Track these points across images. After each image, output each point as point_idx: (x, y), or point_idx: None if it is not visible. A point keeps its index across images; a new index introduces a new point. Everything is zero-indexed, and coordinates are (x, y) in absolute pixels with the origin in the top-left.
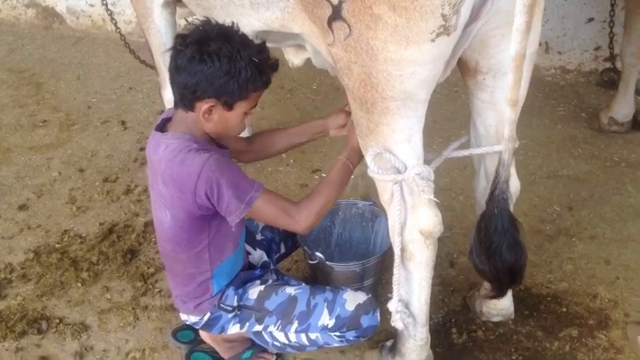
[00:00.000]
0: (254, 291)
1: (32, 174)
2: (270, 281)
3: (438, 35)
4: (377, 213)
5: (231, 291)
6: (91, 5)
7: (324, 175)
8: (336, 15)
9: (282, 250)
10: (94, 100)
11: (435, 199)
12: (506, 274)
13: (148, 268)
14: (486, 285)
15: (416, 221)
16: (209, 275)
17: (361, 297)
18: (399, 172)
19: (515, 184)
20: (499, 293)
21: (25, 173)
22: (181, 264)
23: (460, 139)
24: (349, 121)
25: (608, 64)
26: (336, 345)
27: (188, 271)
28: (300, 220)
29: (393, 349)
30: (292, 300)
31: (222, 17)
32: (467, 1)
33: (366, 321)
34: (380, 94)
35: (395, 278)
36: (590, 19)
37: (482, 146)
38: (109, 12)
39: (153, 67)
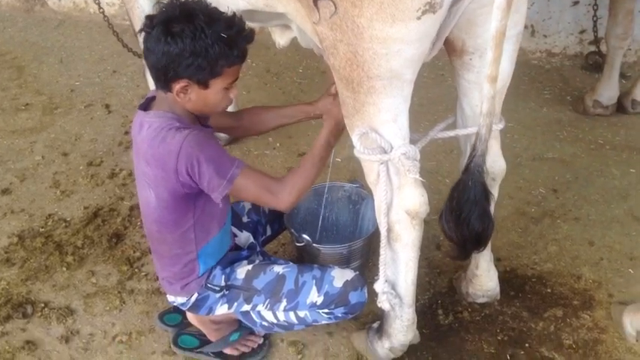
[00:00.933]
0: (242, 270)
1: (15, 158)
2: (258, 261)
3: (423, 13)
4: (364, 195)
5: (218, 271)
6: None
7: None
8: None
9: (269, 232)
10: (77, 84)
11: (421, 179)
12: (472, 242)
13: (134, 252)
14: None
15: (402, 201)
16: (195, 255)
17: (349, 274)
18: (385, 152)
19: (500, 166)
20: (462, 257)
21: (7, 157)
22: (167, 245)
23: (446, 120)
24: (333, 101)
25: (592, 48)
26: (324, 322)
27: (174, 252)
28: (283, 198)
29: (380, 330)
30: (280, 278)
31: None
32: None
33: (354, 297)
34: (366, 72)
35: (381, 259)
36: (576, 2)
37: (469, 127)
38: None
39: (134, 51)
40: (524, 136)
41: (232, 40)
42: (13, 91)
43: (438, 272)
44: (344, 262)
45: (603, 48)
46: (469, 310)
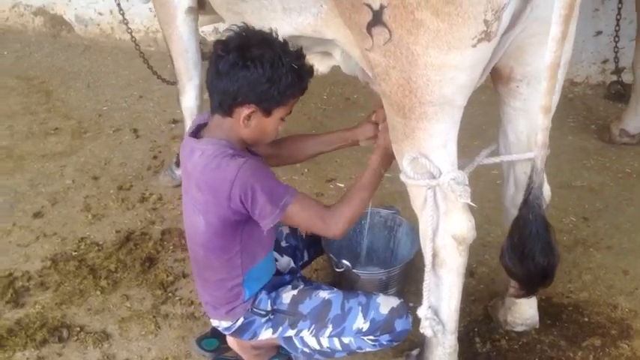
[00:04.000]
0: (287, 295)
1: (46, 181)
2: (302, 286)
3: (479, 41)
4: (399, 221)
5: (264, 295)
6: (100, 14)
7: (339, 184)
8: (376, 20)
9: (306, 257)
10: (104, 109)
11: (472, 204)
12: (538, 276)
13: (167, 276)
14: (514, 284)
15: (449, 227)
16: (240, 280)
17: (394, 301)
18: (434, 177)
19: (547, 190)
20: (529, 294)
21: (38, 181)
22: (213, 270)
23: (490, 146)
24: (382, 127)
25: (614, 77)
26: (368, 349)
27: (220, 277)
28: (334, 226)
29: (421, 358)
30: (326, 304)
31: (254, 22)
32: (508, 8)
33: (399, 324)
34: (418, 98)
35: (425, 284)
36: (598, 33)
37: (513, 153)
38: (125, 21)
39: (162, 77)
40: (550, 164)
41: (301, 71)
42: (42, 115)
43: (473, 300)
44: (382, 289)
45: (625, 78)
46: (506, 338)
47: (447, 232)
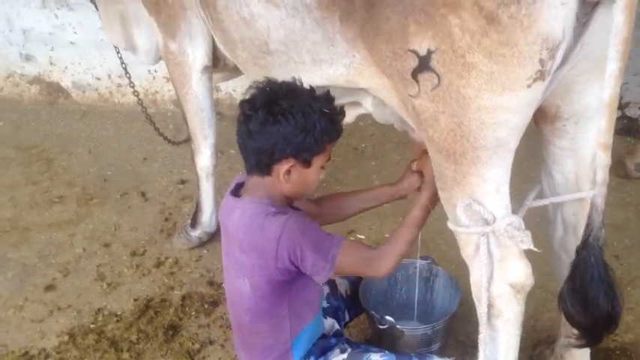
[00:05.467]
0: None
1: (55, 252)
2: (350, 349)
3: (534, 81)
4: (436, 271)
5: None
6: (98, 79)
7: (359, 235)
8: (423, 66)
9: (347, 317)
10: (109, 173)
11: (535, 249)
12: (603, 323)
13: (193, 344)
14: (571, 334)
15: (506, 274)
16: (289, 346)
17: None
18: (488, 223)
19: None
20: (592, 342)
21: (47, 252)
22: (260, 336)
23: (535, 188)
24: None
25: (619, 113)
26: None
27: (267, 343)
28: (382, 266)
29: None
30: None
31: (280, 75)
32: (562, 46)
33: None
34: (471, 143)
35: (481, 338)
36: None
37: (561, 194)
38: (131, 84)
39: (167, 137)
40: None
41: (333, 114)
42: (45, 184)
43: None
44: (426, 344)
45: (630, 112)
46: None
47: (503, 281)
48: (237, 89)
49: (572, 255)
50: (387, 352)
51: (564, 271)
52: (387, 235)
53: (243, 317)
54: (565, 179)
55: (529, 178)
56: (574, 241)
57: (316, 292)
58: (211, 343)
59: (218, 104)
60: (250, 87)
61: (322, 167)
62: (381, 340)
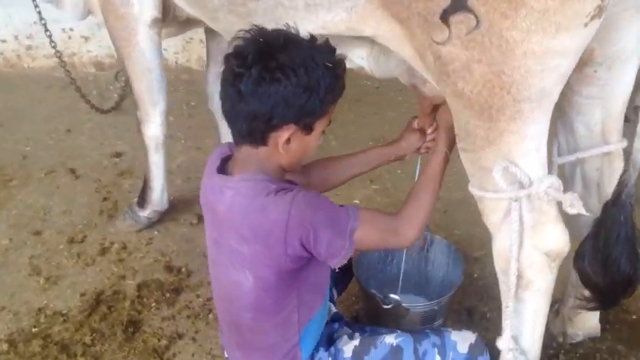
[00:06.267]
0: (348, 348)
1: None
2: (357, 334)
3: (591, 18)
4: (431, 239)
5: (323, 353)
6: (3, 41)
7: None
8: (457, 6)
9: (336, 296)
10: (27, 149)
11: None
12: (622, 286)
13: (159, 340)
14: (580, 295)
15: (541, 242)
16: (297, 340)
17: (470, 336)
18: (523, 186)
19: None
20: (607, 305)
21: None
22: (264, 335)
23: (553, 143)
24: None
25: None
26: None
27: (272, 342)
28: (408, 234)
29: None
30: (396, 351)
31: (265, 23)
32: None
33: None
34: (512, 95)
35: (509, 311)
36: None
37: (585, 149)
38: (52, 44)
39: (95, 105)
40: None
41: (337, 68)
42: None
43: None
44: (430, 321)
45: None
46: (562, 351)
47: (535, 249)
48: (168, 49)
49: (595, 213)
50: (399, 331)
51: (582, 230)
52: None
53: (244, 315)
54: (590, 132)
55: None
56: (596, 198)
57: (326, 274)
58: (180, 337)
59: None
60: (235, 37)
61: (323, 132)
62: (381, 318)
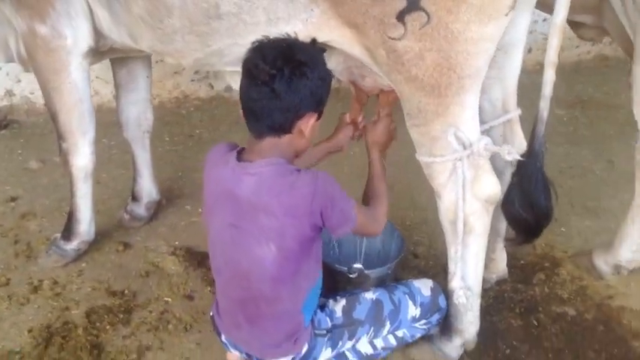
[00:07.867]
0: (338, 308)
1: None
2: (340, 297)
3: (509, 10)
4: None
5: (320, 314)
6: None
7: None
8: (412, 6)
9: None
10: None
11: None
12: (544, 218)
13: (127, 355)
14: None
15: (480, 191)
16: (301, 306)
17: (427, 281)
18: (465, 147)
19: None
20: (532, 238)
21: None
22: (279, 303)
23: None
24: (367, 125)
25: None
26: (419, 335)
27: (284, 309)
28: (380, 226)
29: (448, 331)
30: (377, 303)
31: (223, 42)
32: None
33: (442, 300)
34: (457, 74)
35: (458, 256)
36: None
37: (490, 120)
38: None
39: None
40: None
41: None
42: None
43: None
44: (382, 283)
45: None
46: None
47: (476, 198)
48: (35, 92)
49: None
50: (373, 288)
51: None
52: None
53: (264, 287)
54: (493, 106)
55: None
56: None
57: (321, 247)
58: (148, 349)
59: (13, 111)
60: (251, 50)
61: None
62: (345, 288)
